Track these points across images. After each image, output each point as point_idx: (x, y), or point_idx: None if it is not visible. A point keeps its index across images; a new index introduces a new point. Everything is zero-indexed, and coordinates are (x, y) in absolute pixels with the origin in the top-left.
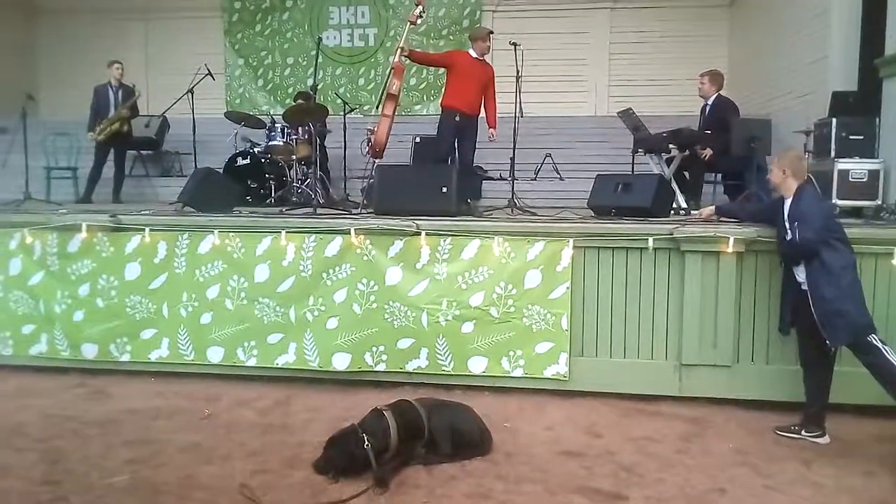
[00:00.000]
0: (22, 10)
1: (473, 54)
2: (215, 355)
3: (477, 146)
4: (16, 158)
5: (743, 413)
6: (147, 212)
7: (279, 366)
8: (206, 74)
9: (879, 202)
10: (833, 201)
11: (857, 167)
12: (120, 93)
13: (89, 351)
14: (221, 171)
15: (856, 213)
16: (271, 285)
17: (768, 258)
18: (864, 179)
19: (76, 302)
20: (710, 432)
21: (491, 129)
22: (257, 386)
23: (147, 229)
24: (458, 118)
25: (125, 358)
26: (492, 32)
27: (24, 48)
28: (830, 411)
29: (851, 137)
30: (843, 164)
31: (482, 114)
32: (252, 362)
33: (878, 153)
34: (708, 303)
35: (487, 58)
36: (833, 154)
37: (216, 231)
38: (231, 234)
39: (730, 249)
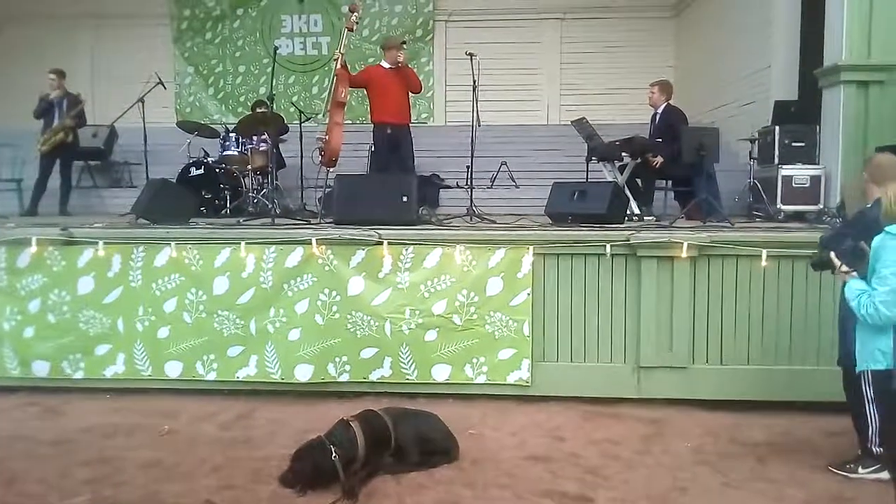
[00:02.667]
0: None
1: (386, 65)
2: (173, 370)
3: (435, 155)
4: None
5: (700, 413)
6: (99, 224)
7: (240, 379)
8: (157, 83)
9: (821, 206)
10: (778, 206)
11: (799, 173)
12: (65, 102)
13: (41, 368)
14: (175, 181)
15: (799, 216)
16: (231, 297)
17: (720, 261)
18: (807, 185)
19: (26, 318)
20: (670, 433)
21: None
22: (218, 400)
23: (101, 242)
24: (388, 130)
25: (79, 375)
26: (404, 42)
27: None
28: (782, 409)
29: (794, 145)
30: (786, 171)
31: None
32: (212, 376)
33: (819, 159)
34: (664, 306)
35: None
36: (777, 161)
37: (173, 243)
38: (189, 246)
39: (684, 254)
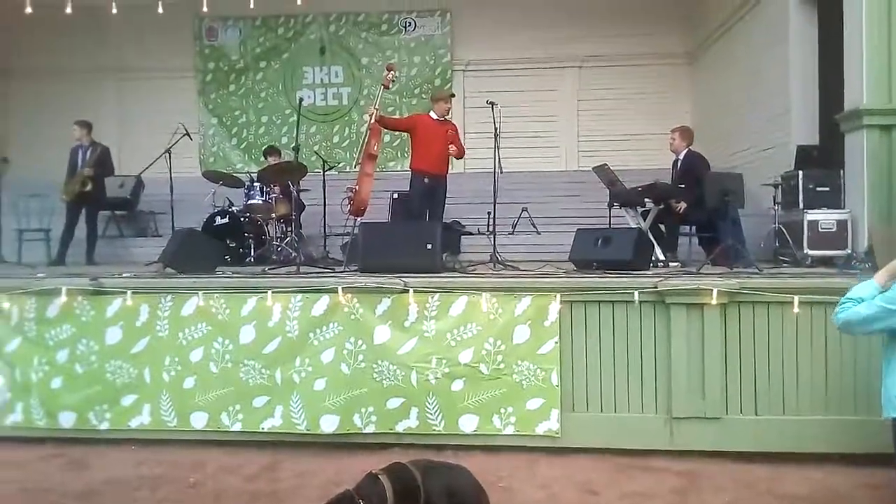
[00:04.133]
0: None
1: (434, 116)
2: (199, 421)
3: (455, 202)
4: None
5: (735, 465)
6: (128, 274)
7: (265, 430)
8: (184, 134)
9: (849, 251)
10: (805, 251)
11: (825, 218)
12: (89, 152)
13: (67, 419)
14: (200, 230)
15: (827, 262)
16: (257, 347)
17: (751, 308)
18: (833, 229)
19: (54, 369)
20: (705, 486)
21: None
22: (243, 451)
23: (129, 292)
24: (426, 179)
25: (105, 426)
26: (453, 95)
27: None
28: (819, 461)
29: (818, 189)
30: (812, 216)
31: (450, 170)
32: (237, 427)
33: (844, 204)
34: (695, 354)
35: (449, 116)
36: (801, 205)
37: (201, 293)
38: (216, 295)
39: (714, 301)
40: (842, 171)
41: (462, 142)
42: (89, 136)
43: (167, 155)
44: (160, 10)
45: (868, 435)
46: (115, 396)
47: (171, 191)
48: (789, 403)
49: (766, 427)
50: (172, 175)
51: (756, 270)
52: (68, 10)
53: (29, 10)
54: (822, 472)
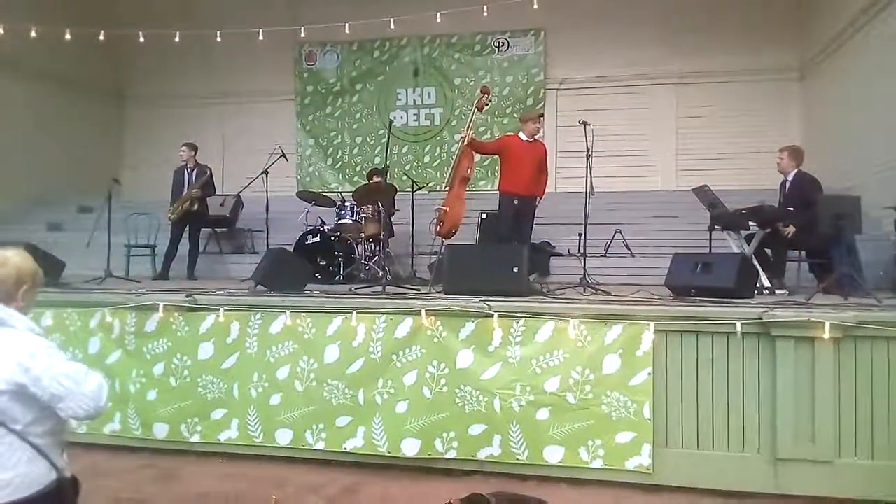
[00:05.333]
0: (113, 96)
1: (524, 137)
2: (284, 438)
3: (548, 222)
4: (100, 236)
5: None
6: (221, 291)
7: (347, 450)
8: (281, 155)
9: None
10: None
11: None
12: (195, 173)
13: (160, 431)
14: (293, 248)
15: None
16: (341, 367)
17: (869, 343)
18: None
19: (150, 381)
20: None
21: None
22: (325, 471)
23: (221, 309)
24: (516, 201)
25: (195, 438)
26: (542, 115)
27: (112, 132)
28: None
29: None
30: None
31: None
32: (320, 446)
33: None
34: (804, 392)
35: (539, 136)
36: None
37: (288, 311)
38: (302, 314)
39: (826, 335)
40: None
41: (549, 162)
42: (195, 158)
43: (264, 175)
44: (261, 37)
45: None
46: (206, 410)
47: (267, 210)
48: None
49: (882, 474)
50: (269, 194)
51: (875, 302)
52: (177, 38)
53: (142, 39)
54: None
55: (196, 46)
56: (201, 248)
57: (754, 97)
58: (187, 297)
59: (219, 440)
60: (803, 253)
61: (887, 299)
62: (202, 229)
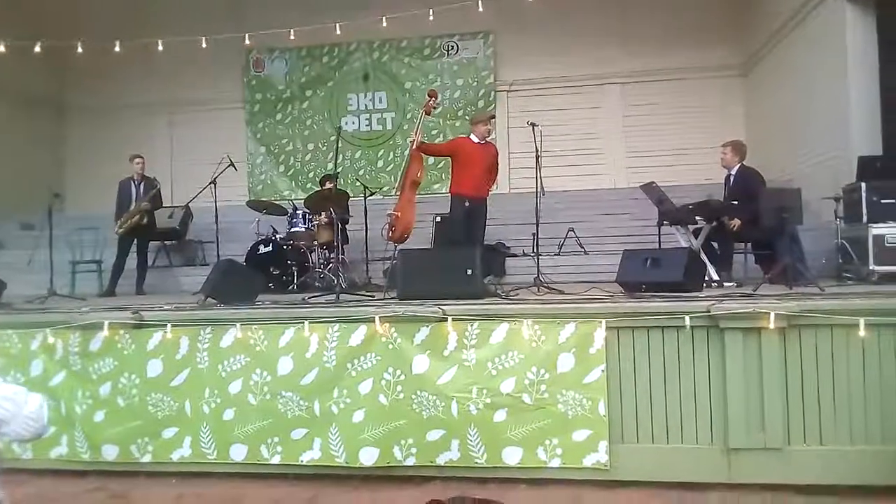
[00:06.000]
0: (53, 107)
1: (475, 139)
2: (238, 454)
3: (502, 223)
4: (42, 254)
5: (798, 499)
6: (168, 306)
7: (304, 463)
8: (229, 164)
9: None
10: (871, 267)
11: (892, 231)
12: (142, 186)
13: (110, 452)
14: (244, 259)
15: (894, 278)
16: (295, 378)
17: (814, 332)
18: None
19: (97, 402)
20: None
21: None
22: (282, 485)
23: (169, 325)
24: (467, 203)
25: (146, 459)
26: (493, 117)
27: (52, 144)
28: (890, 494)
29: (883, 201)
30: (877, 229)
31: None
32: (276, 460)
33: None
34: (753, 382)
35: (491, 138)
36: (865, 219)
37: (239, 324)
38: (254, 326)
39: (772, 325)
40: None
41: (502, 163)
42: (143, 170)
43: (213, 185)
44: (204, 44)
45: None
46: (157, 429)
47: (217, 220)
48: (856, 433)
49: (831, 459)
50: (219, 204)
51: (818, 290)
52: (117, 48)
53: (80, 49)
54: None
55: (140, 55)
56: (150, 262)
57: (699, 94)
58: (133, 313)
59: (171, 459)
60: (749, 245)
61: (830, 287)
62: (151, 242)
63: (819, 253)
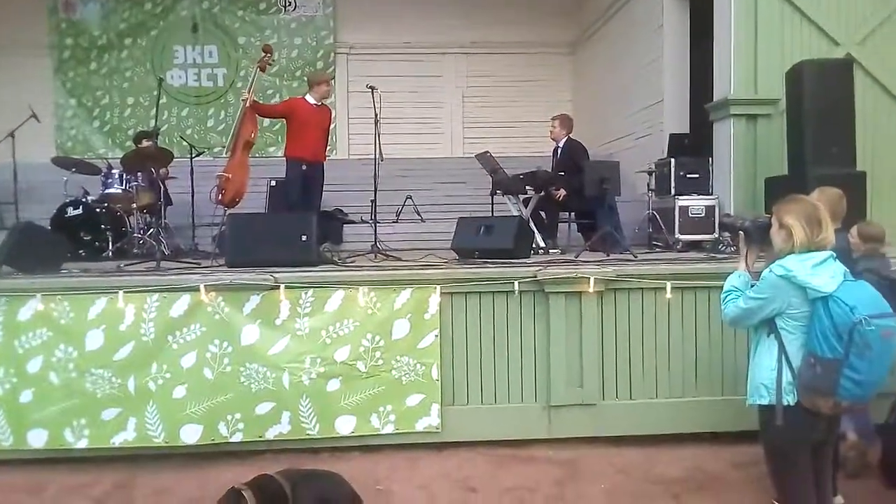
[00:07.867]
0: None
1: (311, 100)
2: (37, 439)
3: (340, 189)
4: None
5: (612, 450)
6: None
7: (116, 445)
8: (31, 116)
9: (716, 235)
10: (676, 236)
11: (694, 203)
12: None
13: None
14: (49, 222)
15: (696, 246)
16: (106, 354)
17: (627, 295)
18: (702, 215)
19: None
20: (583, 474)
21: None
22: (91, 469)
23: None
24: (304, 167)
25: None
26: (333, 78)
27: None
28: (689, 441)
29: (689, 176)
30: (682, 202)
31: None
32: (83, 444)
33: (712, 190)
34: (573, 342)
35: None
36: (673, 192)
37: (39, 294)
38: (58, 297)
39: (591, 289)
40: (710, 159)
41: (341, 128)
42: None
43: (11, 138)
44: None
45: (736, 414)
46: None
47: (15, 179)
48: (662, 387)
49: (640, 411)
50: (21, 161)
51: (631, 256)
52: None
53: None
54: (693, 452)
55: None
56: None
57: (534, 69)
58: None
59: None
60: (572, 214)
61: (642, 254)
62: None
63: (633, 223)
